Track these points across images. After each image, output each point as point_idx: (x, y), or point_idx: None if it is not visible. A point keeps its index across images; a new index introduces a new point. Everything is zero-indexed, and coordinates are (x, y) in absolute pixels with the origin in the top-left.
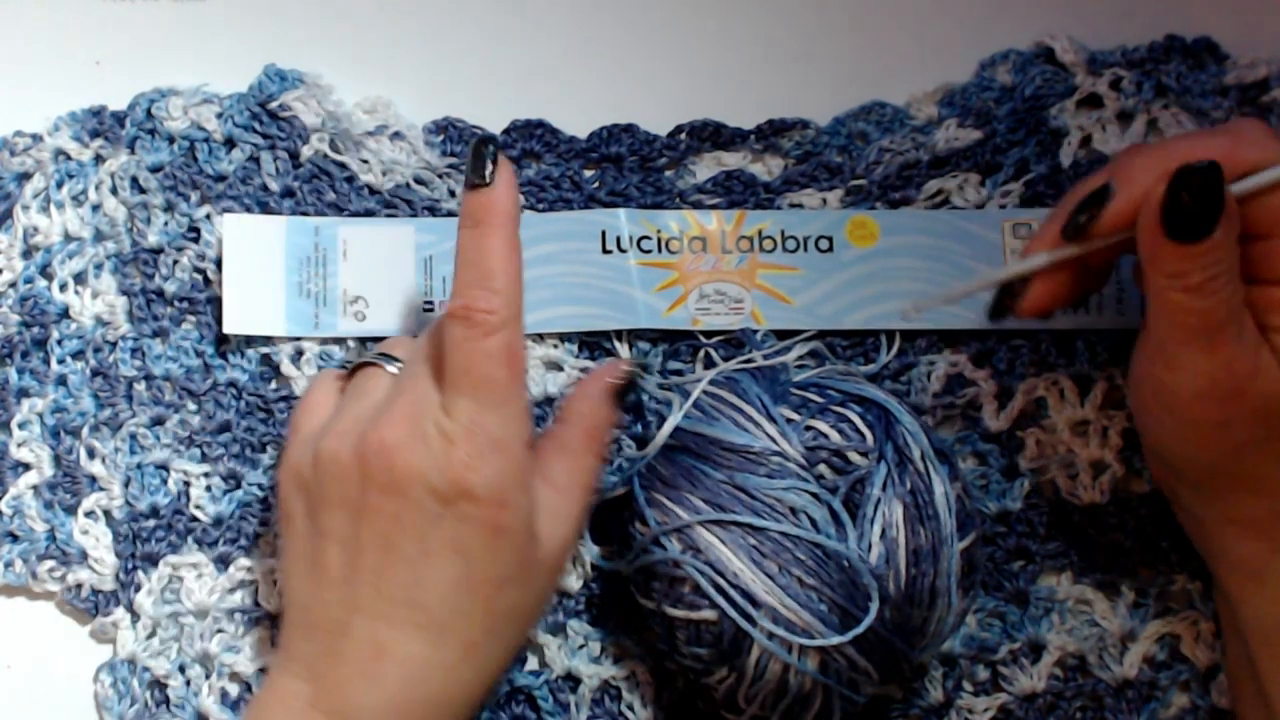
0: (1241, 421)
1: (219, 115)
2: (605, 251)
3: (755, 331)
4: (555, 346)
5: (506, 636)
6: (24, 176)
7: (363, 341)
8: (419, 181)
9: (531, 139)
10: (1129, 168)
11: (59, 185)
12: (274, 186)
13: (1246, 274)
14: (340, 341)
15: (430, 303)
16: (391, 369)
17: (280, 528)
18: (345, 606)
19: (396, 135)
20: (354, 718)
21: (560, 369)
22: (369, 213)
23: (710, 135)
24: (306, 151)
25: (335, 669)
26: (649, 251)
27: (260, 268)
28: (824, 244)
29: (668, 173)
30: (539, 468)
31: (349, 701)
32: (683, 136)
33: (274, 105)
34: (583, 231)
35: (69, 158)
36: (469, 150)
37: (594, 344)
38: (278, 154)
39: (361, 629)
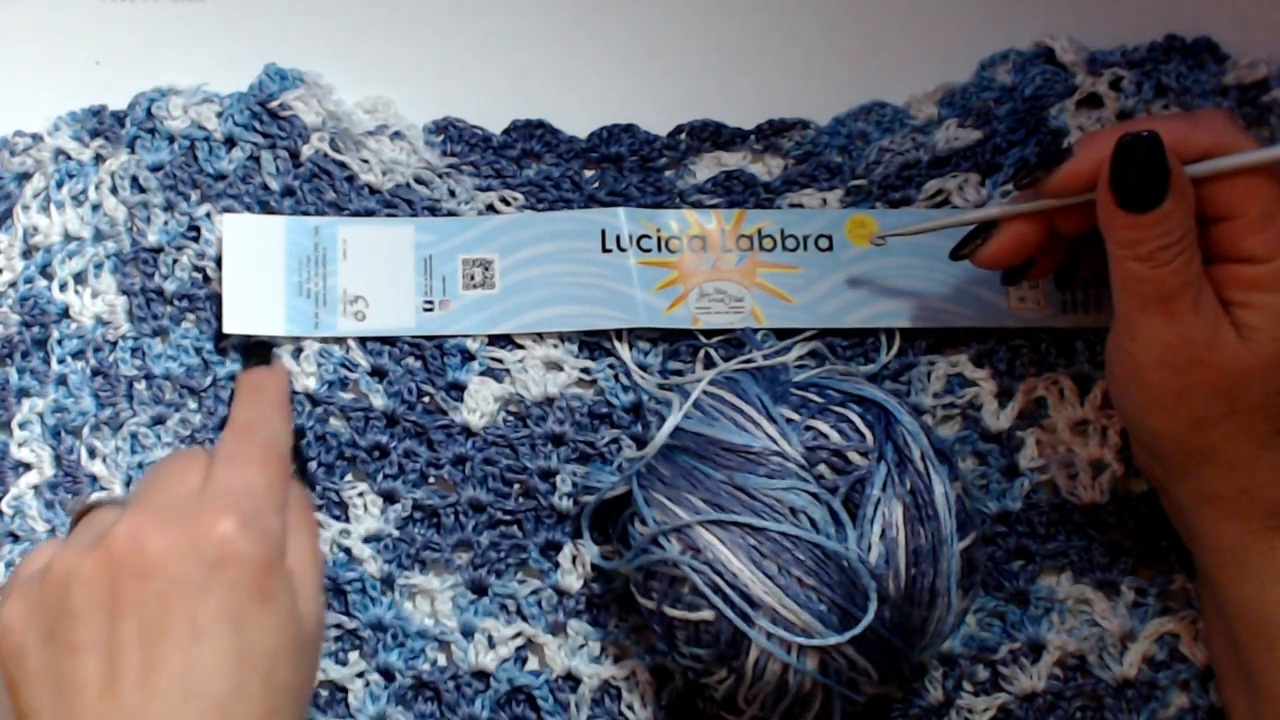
0: (1202, 392)
1: (219, 114)
2: (605, 251)
3: (755, 331)
4: (555, 346)
5: (286, 715)
6: (24, 176)
7: (362, 342)
8: (419, 181)
9: (531, 139)
10: (1092, 137)
11: (59, 185)
12: (274, 186)
13: (1208, 253)
14: (340, 341)
15: (430, 302)
16: (117, 503)
17: (7, 679)
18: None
19: (397, 135)
20: None
21: (560, 369)
22: (369, 212)
23: (710, 135)
24: (307, 151)
25: None
26: (649, 250)
27: (260, 267)
28: (823, 243)
29: (668, 173)
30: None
31: None
32: (683, 136)
33: (274, 104)
34: (582, 231)
35: (69, 157)
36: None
37: (594, 344)
38: (278, 153)
39: None
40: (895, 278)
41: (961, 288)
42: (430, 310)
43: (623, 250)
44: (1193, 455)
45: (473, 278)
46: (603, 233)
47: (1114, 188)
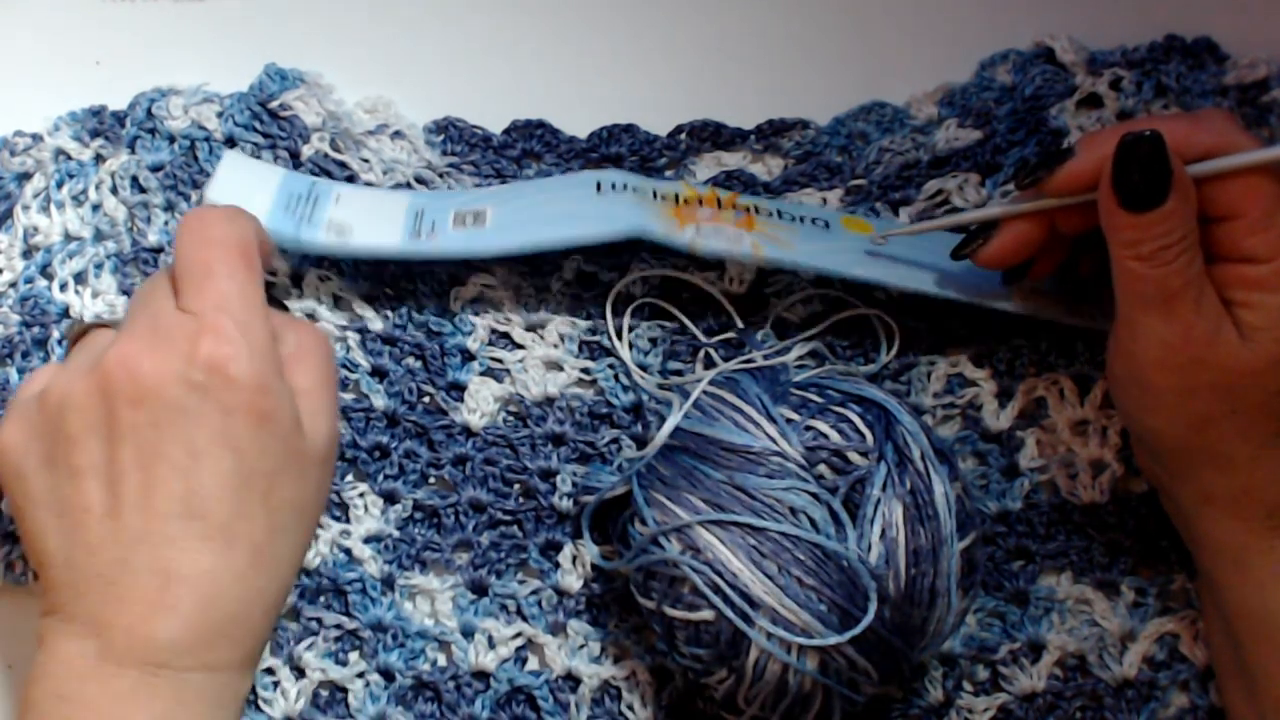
0: (1203, 392)
1: (219, 115)
2: (599, 194)
3: (755, 332)
4: (555, 346)
5: (291, 535)
6: (24, 176)
7: (362, 341)
8: (419, 180)
9: (531, 139)
10: (1094, 136)
11: (59, 185)
12: None
13: (1210, 253)
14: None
15: (418, 234)
16: (114, 329)
17: (11, 501)
18: (117, 542)
19: (397, 134)
20: (151, 657)
21: (560, 369)
22: None
23: (710, 135)
24: (307, 151)
25: (121, 613)
26: (644, 197)
27: (247, 200)
28: (820, 224)
29: (668, 173)
30: (286, 370)
31: (145, 640)
32: (683, 136)
33: (274, 105)
34: (577, 184)
35: (69, 157)
36: None
37: (593, 344)
38: (278, 154)
39: (141, 560)
40: (887, 265)
41: (964, 267)
42: (417, 238)
43: (617, 192)
44: (1193, 455)
45: (464, 221)
46: (597, 183)
47: (1116, 187)
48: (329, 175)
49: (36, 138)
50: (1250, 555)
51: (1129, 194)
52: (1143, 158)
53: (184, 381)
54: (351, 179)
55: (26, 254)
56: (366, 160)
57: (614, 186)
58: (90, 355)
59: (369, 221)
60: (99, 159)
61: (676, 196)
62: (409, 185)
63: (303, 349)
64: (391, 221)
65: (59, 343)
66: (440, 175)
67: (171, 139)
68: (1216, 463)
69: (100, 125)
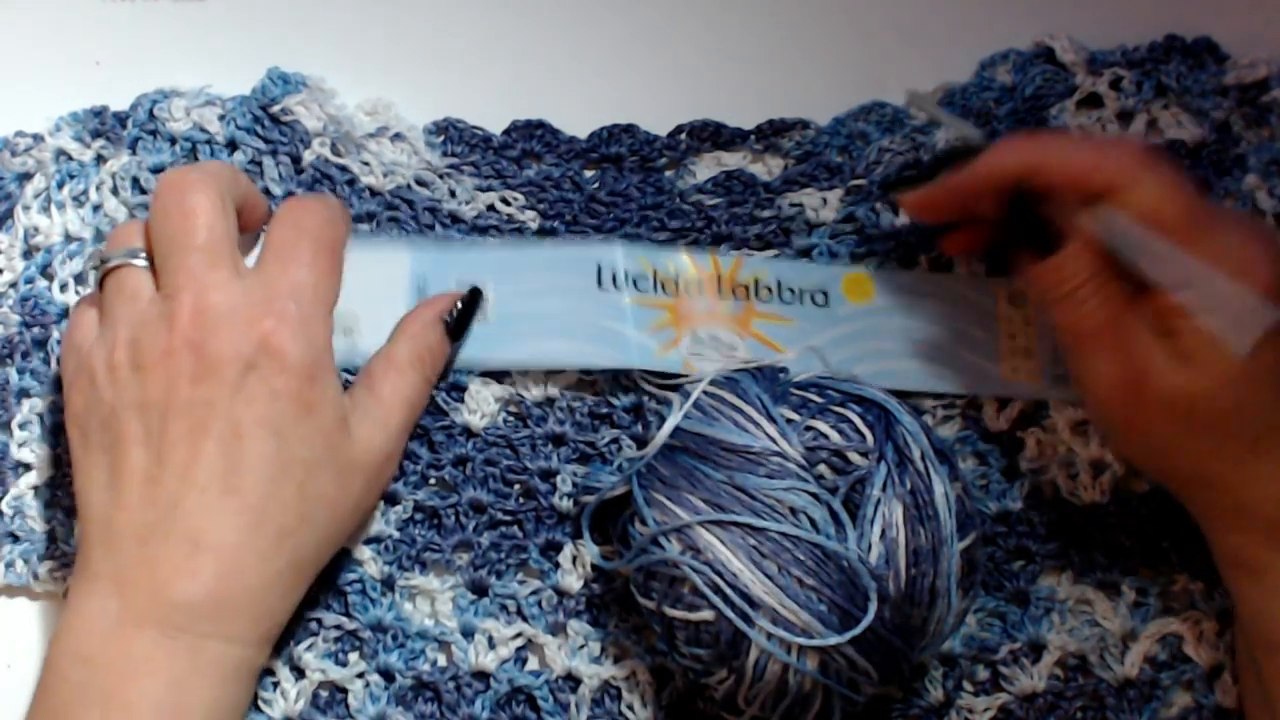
0: (1155, 421)
1: (221, 117)
2: (600, 287)
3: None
4: None
5: (319, 529)
6: (25, 177)
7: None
8: (420, 183)
9: (532, 139)
10: (1009, 143)
11: (60, 186)
12: (276, 191)
13: (1142, 283)
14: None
15: None
16: (139, 263)
17: (74, 450)
18: (154, 506)
19: (397, 137)
20: (170, 619)
21: (560, 369)
22: (370, 215)
23: (710, 135)
24: (308, 156)
25: (147, 574)
26: (644, 290)
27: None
28: (820, 298)
29: (668, 173)
30: (365, 379)
31: (165, 602)
32: (683, 136)
33: (276, 109)
34: (579, 265)
35: (70, 158)
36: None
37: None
38: (279, 159)
39: (174, 524)
40: (890, 337)
41: (955, 354)
42: None
43: (618, 288)
44: (1175, 479)
45: None
46: (599, 268)
47: (1007, 240)
48: (330, 179)
49: (38, 138)
50: (1259, 568)
51: (1025, 245)
52: (1024, 215)
53: (241, 360)
54: (352, 183)
55: (27, 254)
56: (367, 164)
57: (615, 280)
58: (136, 310)
59: (376, 311)
60: (100, 160)
61: (677, 282)
62: (409, 187)
63: (403, 359)
64: (397, 301)
65: (59, 343)
66: (441, 176)
67: (173, 141)
68: (1200, 484)
69: (102, 126)
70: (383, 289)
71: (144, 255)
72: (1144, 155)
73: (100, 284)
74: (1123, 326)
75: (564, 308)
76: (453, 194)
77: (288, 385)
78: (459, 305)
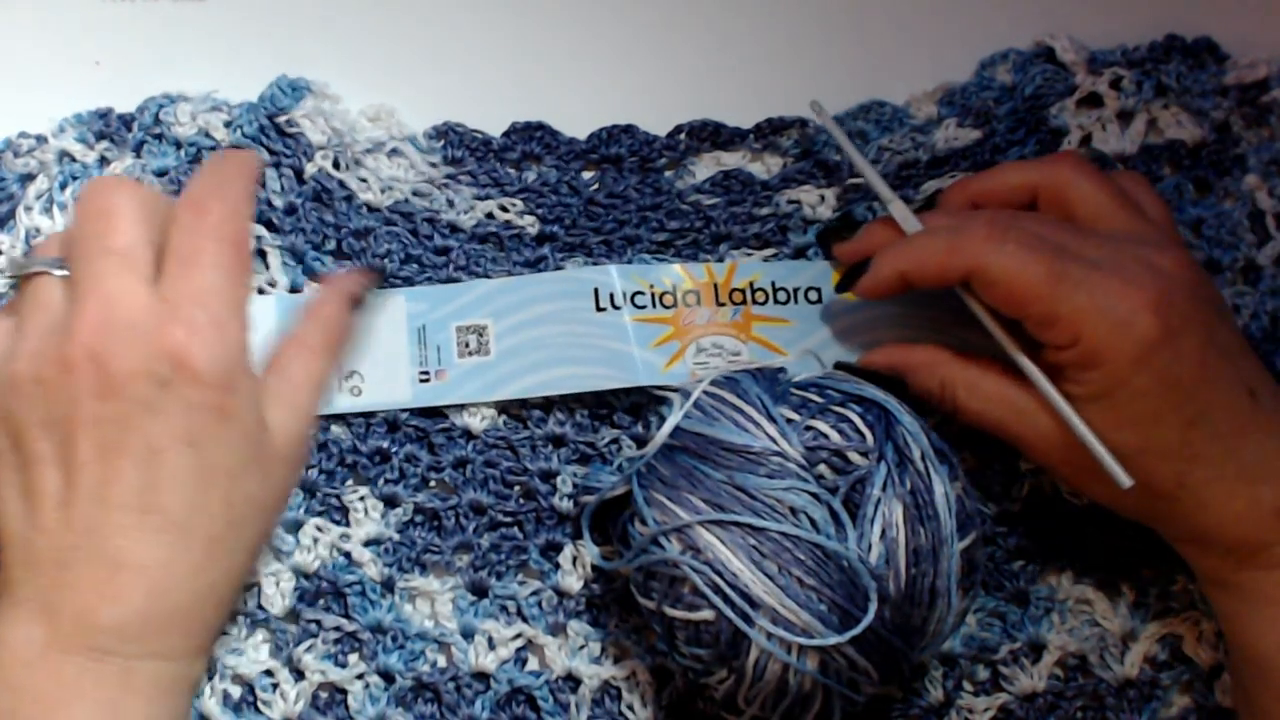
0: (1075, 469)
1: (227, 124)
2: (599, 309)
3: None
4: None
5: (249, 529)
6: (28, 177)
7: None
8: (417, 194)
9: (531, 141)
10: (880, 257)
11: (62, 187)
12: (278, 203)
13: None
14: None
15: (426, 373)
16: (58, 273)
17: None
18: (71, 528)
19: (394, 152)
20: (98, 643)
21: None
22: (368, 230)
23: (710, 135)
24: (310, 169)
25: (70, 598)
26: (643, 307)
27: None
28: (813, 295)
29: (667, 173)
30: (275, 362)
31: (91, 626)
32: (682, 136)
33: (282, 120)
34: (575, 290)
35: (73, 159)
36: None
37: None
38: (283, 172)
39: (94, 547)
40: (883, 327)
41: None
42: (426, 381)
43: (617, 308)
44: (1125, 511)
45: (467, 345)
46: (595, 291)
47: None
48: (329, 193)
49: (41, 139)
50: (1232, 587)
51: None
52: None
53: (150, 375)
54: (350, 199)
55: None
56: (365, 180)
57: (613, 300)
58: (45, 325)
59: (377, 361)
60: (103, 162)
61: (675, 295)
62: (407, 200)
63: (313, 340)
64: (397, 349)
65: (12, 287)
66: (438, 187)
67: (178, 145)
68: (1151, 516)
69: (106, 128)
70: (383, 338)
71: (64, 265)
72: (995, 227)
73: (18, 290)
74: (976, 389)
75: (565, 334)
76: (451, 204)
77: (204, 397)
78: (364, 284)
